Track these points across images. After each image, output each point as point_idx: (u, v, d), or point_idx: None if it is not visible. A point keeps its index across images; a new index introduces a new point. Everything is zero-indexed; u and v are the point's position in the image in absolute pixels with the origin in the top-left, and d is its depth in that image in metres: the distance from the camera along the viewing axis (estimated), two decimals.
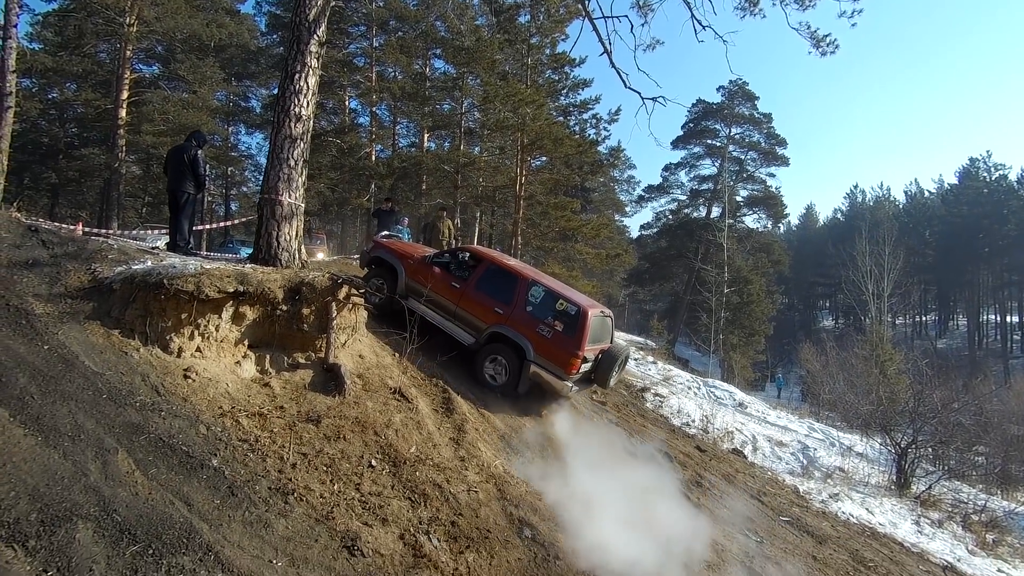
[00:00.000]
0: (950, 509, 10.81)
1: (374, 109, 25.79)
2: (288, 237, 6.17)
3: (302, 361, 5.52)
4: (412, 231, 13.77)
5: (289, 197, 6.14)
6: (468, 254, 7.98)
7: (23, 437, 3.22)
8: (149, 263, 5.13)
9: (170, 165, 7.29)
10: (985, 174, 51.43)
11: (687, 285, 35.38)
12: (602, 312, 7.53)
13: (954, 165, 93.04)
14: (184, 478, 3.58)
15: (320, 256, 12.92)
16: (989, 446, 15.17)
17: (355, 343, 6.15)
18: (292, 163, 6.15)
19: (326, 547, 3.63)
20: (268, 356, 5.37)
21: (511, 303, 7.18)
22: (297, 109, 6.16)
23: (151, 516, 3.15)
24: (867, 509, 9.58)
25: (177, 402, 4.23)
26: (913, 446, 12.16)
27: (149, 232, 15.03)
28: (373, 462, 4.65)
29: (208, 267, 5.13)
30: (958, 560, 8.28)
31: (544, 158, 23.49)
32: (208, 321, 4.95)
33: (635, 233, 43.85)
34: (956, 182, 53.71)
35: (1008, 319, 50.86)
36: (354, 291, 5.94)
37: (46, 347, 4.05)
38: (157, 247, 8.10)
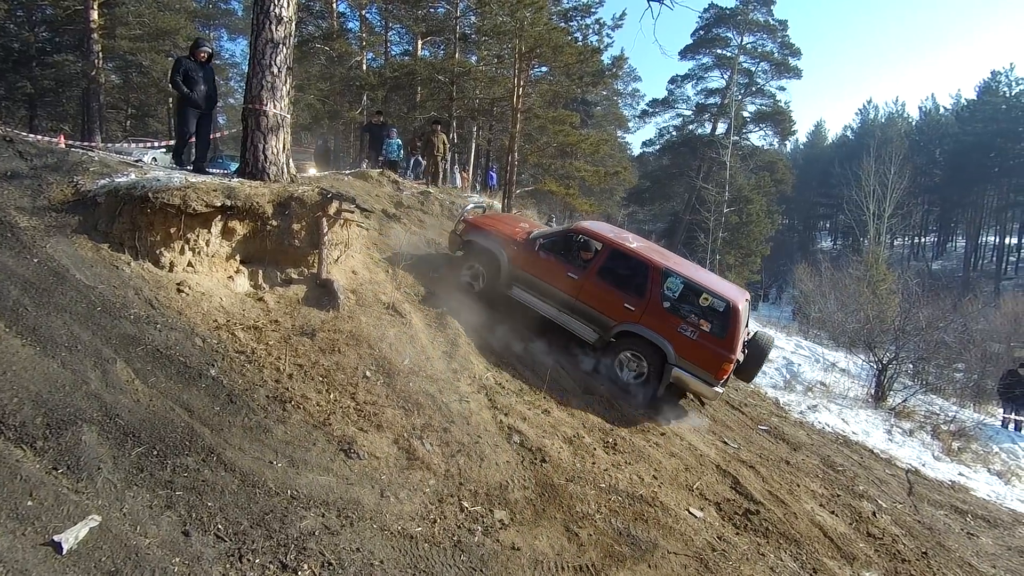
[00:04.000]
0: (922, 420, 11.37)
1: (364, 12, 24.15)
2: (275, 150, 5.98)
3: (295, 276, 5.57)
4: (405, 144, 13.39)
5: (274, 107, 5.88)
6: (583, 237, 7.02)
7: (21, 347, 3.30)
8: (132, 176, 5.02)
9: None
10: (1006, 89, 49.00)
11: (687, 205, 34.91)
12: (746, 299, 6.73)
13: (976, 80, 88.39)
14: (183, 387, 3.72)
15: (311, 171, 12.64)
16: (968, 363, 15.70)
17: (348, 259, 6.17)
18: (275, 70, 5.83)
19: (324, 450, 3.85)
20: (261, 271, 5.41)
21: (644, 297, 6.43)
22: (278, 10, 5.75)
23: (153, 421, 3.31)
24: (843, 419, 10.08)
25: (172, 315, 4.31)
26: (894, 362, 12.59)
27: (135, 145, 14.57)
28: (367, 373, 4.81)
29: (194, 180, 5.03)
30: (923, 465, 8.83)
31: (543, 68, 22.30)
32: (198, 236, 4.94)
33: (637, 151, 42.75)
34: (975, 98, 51.41)
35: (1007, 240, 50.78)
36: (345, 207, 5.87)
37: (35, 260, 4.06)
38: (142, 161, 7.89)
